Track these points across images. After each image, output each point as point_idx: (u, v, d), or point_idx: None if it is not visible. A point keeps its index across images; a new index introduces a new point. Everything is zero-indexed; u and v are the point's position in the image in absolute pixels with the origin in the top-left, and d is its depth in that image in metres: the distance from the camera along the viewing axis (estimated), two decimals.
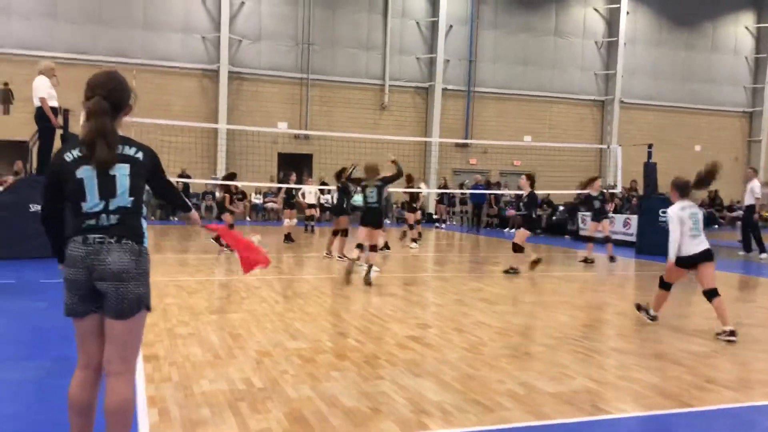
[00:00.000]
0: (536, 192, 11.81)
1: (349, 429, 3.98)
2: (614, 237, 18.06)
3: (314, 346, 5.95)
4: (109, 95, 3.14)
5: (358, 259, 10.04)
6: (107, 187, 3.09)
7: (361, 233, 10.13)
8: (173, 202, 3.83)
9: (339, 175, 13.65)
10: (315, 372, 5.13)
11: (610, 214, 18.80)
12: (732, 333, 6.56)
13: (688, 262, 6.88)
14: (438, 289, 9.64)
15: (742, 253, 16.01)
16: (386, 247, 14.46)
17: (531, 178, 11.67)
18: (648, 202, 15.74)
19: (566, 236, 20.53)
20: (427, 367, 5.37)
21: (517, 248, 11.52)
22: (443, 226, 24.62)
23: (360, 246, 10.08)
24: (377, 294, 9.06)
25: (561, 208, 22.20)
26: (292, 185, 16.61)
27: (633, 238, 16.67)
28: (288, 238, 15.78)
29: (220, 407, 4.28)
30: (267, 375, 5.02)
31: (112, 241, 3.09)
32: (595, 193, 13.88)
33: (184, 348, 5.74)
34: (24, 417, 4.07)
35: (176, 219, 23.16)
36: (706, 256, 6.83)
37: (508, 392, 4.78)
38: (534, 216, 11.72)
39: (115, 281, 3.08)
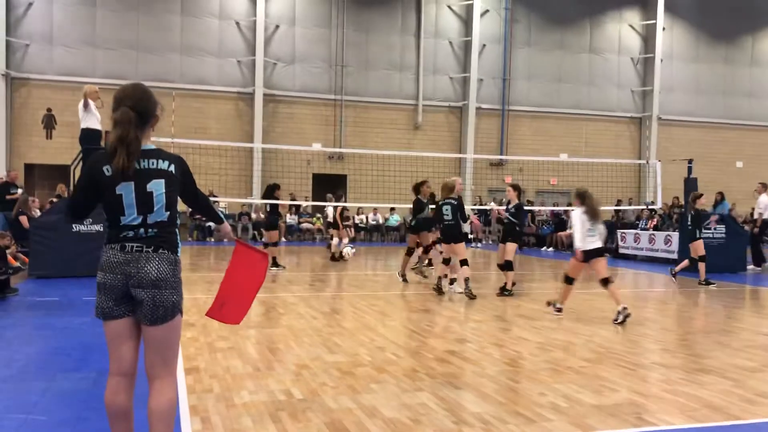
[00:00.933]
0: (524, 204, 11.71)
1: None
2: (655, 255, 17.78)
3: (353, 360, 5.95)
4: (136, 105, 3.19)
5: (446, 276, 10.64)
6: (145, 203, 3.16)
7: (444, 248, 10.75)
8: (204, 211, 3.74)
9: (417, 188, 12.75)
10: (354, 384, 5.12)
11: (651, 232, 18.55)
12: (625, 309, 8.07)
13: (586, 257, 8.35)
14: (475, 306, 9.56)
15: (751, 267, 15.68)
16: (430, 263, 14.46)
17: (517, 189, 11.10)
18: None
19: (606, 255, 20.21)
20: (467, 380, 5.33)
21: (507, 266, 10.66)
22: (479, 245, 24.46)
23: (446, 261, 10.64)
24: (413, 310, 9.03)
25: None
26: (340, 204, 16.54)
27: (675, 255, 16.33)
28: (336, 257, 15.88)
29: (261, 417, 4.29)
30: (306, 387, 5.02)
31: (149, 250, 3.16)
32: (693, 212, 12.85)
33: (224, 361, 5.79)
34: (74, 424, 4.15)
35: (213, 240, 23.46)
36: (599, 252, 8.40)
37: (550, 404, 4.70)
38: (519, 228, 10.93)
39: (153, 288, 3.15)
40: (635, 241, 18.72)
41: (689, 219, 12.78)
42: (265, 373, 5.42)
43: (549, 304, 8.94)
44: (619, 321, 8.04)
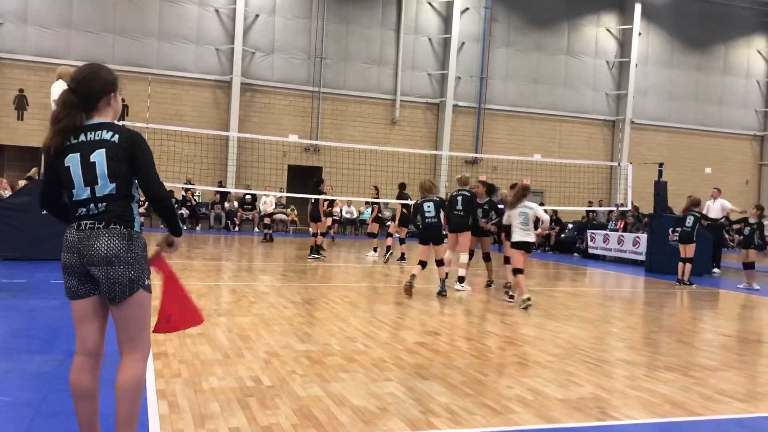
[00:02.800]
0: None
1: (358, 426, 3.99)
2: (623, 255, 18.06)
3: (322, 349, 5.96)
4: (78, 86, 3.21)
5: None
6: (89, 174, 3.12)
7: (424, 251, 10.15)
8: (160, 210, 3.29)
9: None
10: (323, 373, 5.14)
11: (620, 233, 18.81)
12: (528, 299, 8.95)
13: (521, 247, 9.14)
14: (446, 301, 9.63)
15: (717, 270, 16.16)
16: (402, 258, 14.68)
17: (485, 185, 11.26)
18: (658, 221, 15.70)
19: (575, 254, 20.49)
20: (435, 371, 5.38)
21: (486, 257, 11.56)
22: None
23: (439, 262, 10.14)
24: (384, 302, 9.07)
25: (570, 225, 22.16)
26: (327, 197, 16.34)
27: (642, 257, 16.62)
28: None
29: (229, 402, 4.29)
30: (276, 374, 5.03)
31: (101, 226, 3.12)
32: (753, 220, 13.18)
33: (193, 347, 5.77)
34: (38, 405, 4.11)
35: (185, 227, 23.24)
36: (524, 245, 9.17)
37: (516, 397, 4.77)
38: (480, 223, 10.91)
39: (105, 265, 3.10)
40: (604, 242, 19.00)
41: (690, 222, 12.97)
42: (235, 360, 5.41)
43: (507, 293, 9.80)
44: (523, 307, 8.87)
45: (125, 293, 3.13)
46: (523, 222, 9.17)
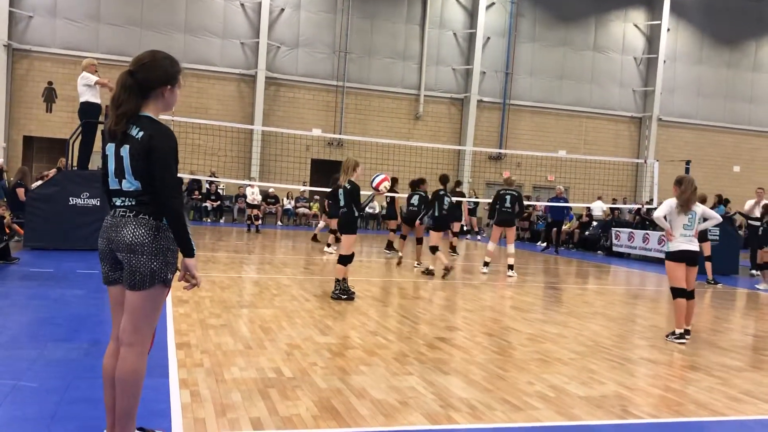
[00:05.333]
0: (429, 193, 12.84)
1: (378, 419, 4.00)
2: (648, 254, 17.85)
3: (343, 342, 5.98)
4: (137, 70, 3.16)
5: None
6: (119, 168, 3.16)
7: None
8: (164, 214, 3.15)
9: (417, 183, 13.77)
10: (344, 365, 5.16)
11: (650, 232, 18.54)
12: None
13: (682, 259, 7.08)
14: (468, 296, 9.60)
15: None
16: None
17: (442, 178, 12.30)
18: None
19: (599, 252, 20.29)
20: (456, 366, 5.36)
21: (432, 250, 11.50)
22: (479, 237, 24.42)
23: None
24: (406, 297, 9.07)
25: (594, 223, 21.94)
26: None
27: None
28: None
29: (250, 393, 4.32)
30: (297, 366, 5.06)
31: (131, 215, 3.15)
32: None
33: (215, 337, 5.82)
34: (63, 391, 4.17)
35: (209, 220, 23.44)
36: (690, 256, 7.09)
37: (537, 393, 4.74)
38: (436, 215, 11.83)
39: (129, 253, 3.11)
40: (629, 240, 18.78)
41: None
42: (257, 351, 5.45)
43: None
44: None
45: (144, 283, 3.13)
46: (688, 225, 7.12)
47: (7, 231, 10.92)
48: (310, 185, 24.34)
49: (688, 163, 16.31)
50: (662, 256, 16.53)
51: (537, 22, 28.66)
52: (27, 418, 3.68)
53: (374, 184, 9.09)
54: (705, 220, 7.49)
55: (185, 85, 23.54)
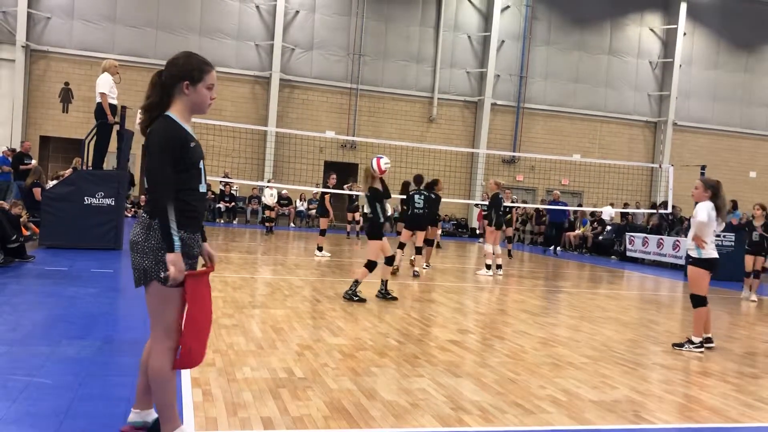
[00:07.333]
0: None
1: (389, 420, 3.99)
2: (662, 259, 17.72)
3: (355, 343, 5.98)
4: (164, 70, 3.24)
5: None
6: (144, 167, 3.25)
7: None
8: (152, 201, 3.12)
9: (431, 185, 13.11)
10: (355, 366, 5.16)
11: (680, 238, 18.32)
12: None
13: (707, 266, 6.88)
14: (480, 299, 9.58)
15: None
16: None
17: (416, 178, 12.19)
18: None
19: (612, 257, 20.18)
20: (467, 369, 5.35)
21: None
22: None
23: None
24: (417, 299, 9.06)
25: (609, 228, 21.82)
26: (332, 190, 16.18)
27: (682, 261, 16.28)
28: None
29: (261, 392, 4.33)
30: (308, 366, 5.06)
31: (142, 212, 3.25)
32: (758, 223, 12.02)
33: (227, 337, 5.84)
34: (76, 388, 4.19)
35: (222, 221, 23.54)
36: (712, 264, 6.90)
37: (549, 397, 4.72)
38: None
39: (130, 250, 3.24)
40: (643, 245, 18.67)
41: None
42: (268, 351, 5.46)
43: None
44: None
45: (140, 281, 3.18)
46: (716, 232, 7.01)
47: (24, 231, 11.03)
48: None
49: (703, 168, 16.16)
50: (677, 261, 16.60)
51: (552, 25, 28.56)
52: (40, 414, 3.71)
53: (378, 171, 8.74)
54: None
55: None
